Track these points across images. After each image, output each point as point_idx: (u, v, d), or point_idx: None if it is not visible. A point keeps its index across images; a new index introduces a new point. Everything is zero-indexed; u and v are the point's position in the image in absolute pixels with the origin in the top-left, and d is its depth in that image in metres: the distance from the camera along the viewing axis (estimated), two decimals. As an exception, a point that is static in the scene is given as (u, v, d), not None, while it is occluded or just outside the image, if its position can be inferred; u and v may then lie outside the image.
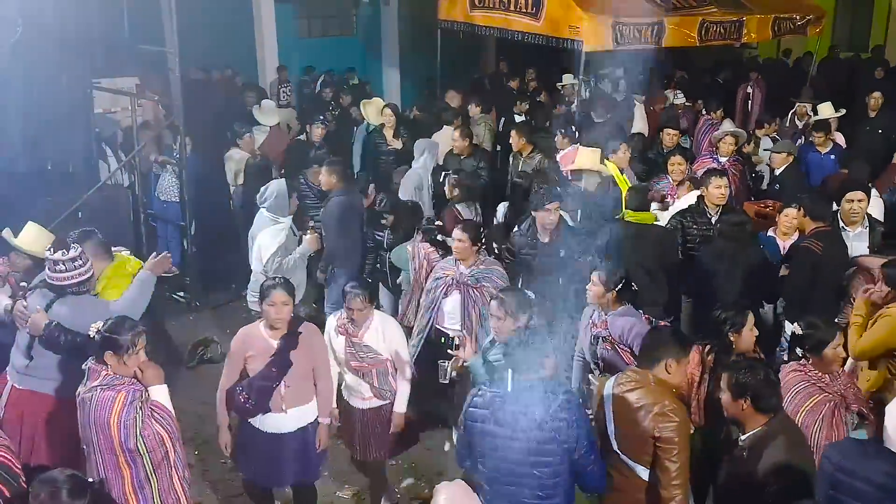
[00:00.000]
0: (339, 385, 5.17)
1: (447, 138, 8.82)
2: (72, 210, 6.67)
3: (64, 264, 4.58)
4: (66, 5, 7.35)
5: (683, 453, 3.70)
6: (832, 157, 8.49)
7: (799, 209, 5.79)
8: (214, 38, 13.00)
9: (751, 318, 4.52)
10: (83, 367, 4.10)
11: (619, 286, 4.90)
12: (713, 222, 6.48)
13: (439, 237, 6.26)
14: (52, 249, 4.62)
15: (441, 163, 8.56)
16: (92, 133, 8.17)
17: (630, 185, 7.29)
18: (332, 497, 5.71)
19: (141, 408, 4.01)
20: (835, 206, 6.19)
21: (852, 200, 6.02)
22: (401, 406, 5.12)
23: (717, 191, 6.44)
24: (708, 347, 4.56)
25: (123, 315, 4.26)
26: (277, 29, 15.01)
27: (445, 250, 6.11)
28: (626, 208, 6.47)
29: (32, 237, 5.20)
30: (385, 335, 5.01)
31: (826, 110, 9.51)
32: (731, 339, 4.49)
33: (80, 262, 4.64)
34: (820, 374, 4.14)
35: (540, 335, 4.00)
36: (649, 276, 6.07)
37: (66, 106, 7.63)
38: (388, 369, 5.07)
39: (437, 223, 6.44)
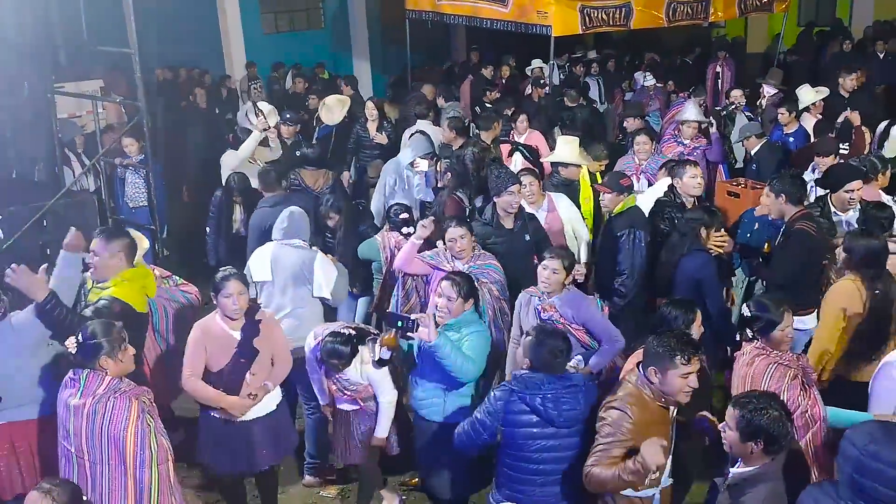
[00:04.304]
0: None
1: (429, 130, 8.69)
2: (37, 218, 6.54)
3: None
4: (23, 10, 7.21)
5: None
6: (791, 139, 8.22)
7: (778, 196, 5.52)
8: (179, 36, 12.88)
9: (698, 317, 4.49)
10: (73, 376, 3.98)
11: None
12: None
13: (405, 230, 6.10)
14: None
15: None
16: (55, 139, 8.03)
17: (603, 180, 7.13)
18: (316, 497, 5.66)
19: (151, 416, 3.98)
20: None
21: (852, 190, 5.85)
22: (382, 430, 4.97)
23: (693, 181, 6.27)
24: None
25: (94, 321, 4.12)
26: (243, 25, 14.90)
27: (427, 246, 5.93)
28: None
29: None
30: (365, 369, 4.84)
31: (807, 96, 8.88)
32: None
33: None
34: (780, 353, 4.13)
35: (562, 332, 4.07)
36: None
37: (28, 112, 7.48)
38: (371, 392, 4.94)
39: (402, 215, 6.24)
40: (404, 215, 6.23)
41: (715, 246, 5.57)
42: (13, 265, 4.39)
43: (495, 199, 6.06)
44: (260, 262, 5.69)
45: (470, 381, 4.68)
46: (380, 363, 4.78)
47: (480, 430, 3.99)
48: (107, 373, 3.94)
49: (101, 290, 4.78)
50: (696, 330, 4.47)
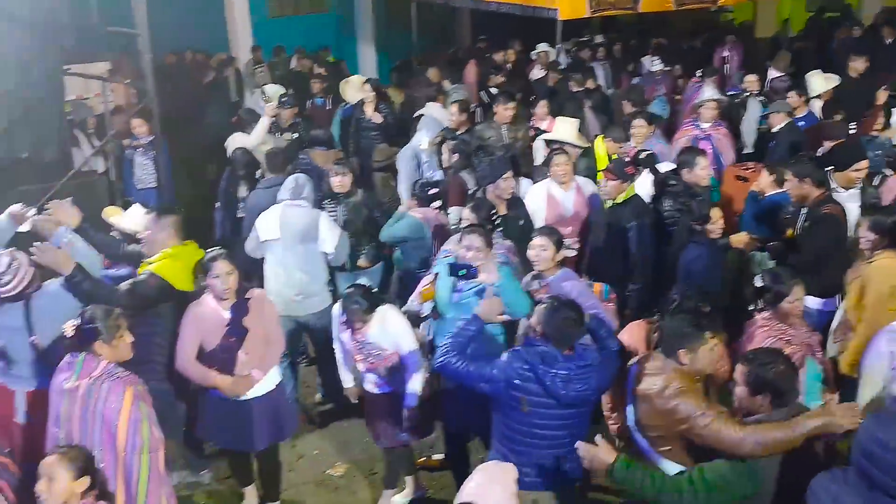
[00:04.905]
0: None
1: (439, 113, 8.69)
2: (45, 199, 6.57)
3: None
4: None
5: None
6: (802, 123, 8.13)
7: (803, 179, 5.53)
8: (185, 19, 12.87)
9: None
10: (69, 360, 4.00)
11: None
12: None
13: (434, 204, 6.24)
14: None
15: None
16: (64, 120, 8.05)
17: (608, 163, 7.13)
18: (323, 475, 5.72)
19: (145, 403, 4.00)
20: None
21: (859, 169, 5.88)
22: (411, 400, 4.84)
23: (704, 171, 6.30)
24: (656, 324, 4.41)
25: (94, 305, 4.15)
26: (250, 8, 14.85)
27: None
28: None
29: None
30: (386, 328, 4.80)
31: (818, 84, 8.82)
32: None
33: (11, 275, 4.36)
34: (785, 327, 4.19)
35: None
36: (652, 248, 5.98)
37: (40, 93, 7.50)
38: (397, 362, 4.88)
39: (430, 191, 6.32)
40: (432, 190, 6.40)
41: (739, 245, 5.72)
42: (36, 243, 4.45)
43: (489, 187, 6.09)
44: (269, 222, 5.96)
45: (525, 313, 4.66)
46: (422, 319, 4.93)
47: (484, 377, 3.92)
48: (102, 357, 3.97)
49: (148, 265, 4.86)
50: None
